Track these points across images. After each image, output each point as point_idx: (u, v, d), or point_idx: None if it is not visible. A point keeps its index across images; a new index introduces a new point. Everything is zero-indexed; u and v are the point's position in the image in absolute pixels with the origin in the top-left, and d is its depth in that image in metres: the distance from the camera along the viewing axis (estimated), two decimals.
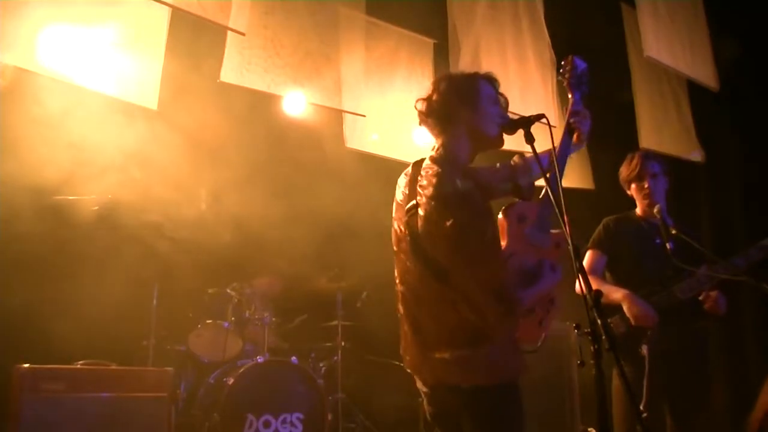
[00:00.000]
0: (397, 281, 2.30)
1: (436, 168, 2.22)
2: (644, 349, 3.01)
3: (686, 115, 5.08)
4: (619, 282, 3.28)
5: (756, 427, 1.23)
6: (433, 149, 2.35)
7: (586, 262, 3.36)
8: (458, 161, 2.27)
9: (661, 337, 3.07)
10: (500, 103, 2.36)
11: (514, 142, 2.33)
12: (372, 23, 4.63)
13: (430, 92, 2.35)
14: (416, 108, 2.37)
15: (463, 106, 2.27)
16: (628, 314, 3.11)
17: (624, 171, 3.45)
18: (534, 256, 2.29)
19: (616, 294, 3.16)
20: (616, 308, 3.14)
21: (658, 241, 3.24)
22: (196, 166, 4.27)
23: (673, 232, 3.18)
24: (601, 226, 3.45)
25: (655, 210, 3.28)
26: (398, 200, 2.32)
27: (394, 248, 2.31)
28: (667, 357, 3.09)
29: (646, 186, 3.34)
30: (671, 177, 3.44)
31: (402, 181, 2.35)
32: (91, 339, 3.88)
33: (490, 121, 2.29)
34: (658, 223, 3.30)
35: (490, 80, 2.37)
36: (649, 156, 3.44)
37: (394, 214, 2.33)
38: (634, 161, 3.40)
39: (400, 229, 2.27)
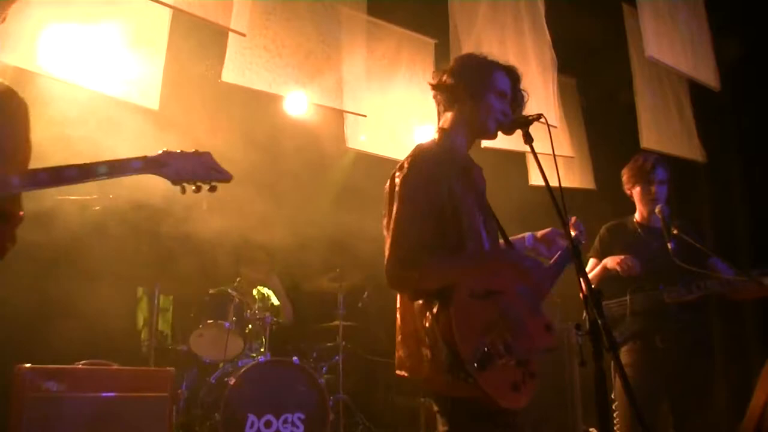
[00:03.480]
0: None
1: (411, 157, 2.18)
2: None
3: (687, 115, 5.07)
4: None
5: (751, 428, 1.23)
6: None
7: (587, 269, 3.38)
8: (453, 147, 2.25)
9: (645, 329, 3.15)
10: (516, 99, 2.32)
11: (513, 141, 2.33)
12: (373, 23, 4.64)
13: (449, 66, 2.34)
14: (432, 80, 2.35)
15: (467, 92, 2.25)
16: (611, 268, 3.20)
17: (630, 171, 3.42)
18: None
19: (605, 263, 3.28)
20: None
21: (655, 245, 3.23)
22: None
23: (675, 232, 3.18)
24: (598, 235, 3.48)
25: (657, 210, 3.27)
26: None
27: None
28: (658, 351, 3.15)
29: (653, 190, 3.32)
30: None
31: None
32: (92, 339, 3.89)
33: (488, 114, 2.25)
34: (656, 226, 3.30)
35: (509, 74, 2.32)
36: (660, 161, 3.41)
37: None
38: (648, 164, 3.35)
39: None
